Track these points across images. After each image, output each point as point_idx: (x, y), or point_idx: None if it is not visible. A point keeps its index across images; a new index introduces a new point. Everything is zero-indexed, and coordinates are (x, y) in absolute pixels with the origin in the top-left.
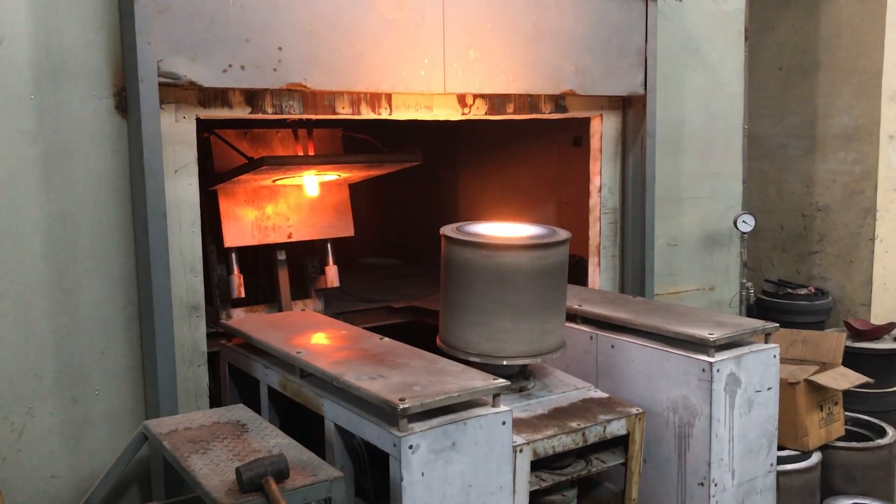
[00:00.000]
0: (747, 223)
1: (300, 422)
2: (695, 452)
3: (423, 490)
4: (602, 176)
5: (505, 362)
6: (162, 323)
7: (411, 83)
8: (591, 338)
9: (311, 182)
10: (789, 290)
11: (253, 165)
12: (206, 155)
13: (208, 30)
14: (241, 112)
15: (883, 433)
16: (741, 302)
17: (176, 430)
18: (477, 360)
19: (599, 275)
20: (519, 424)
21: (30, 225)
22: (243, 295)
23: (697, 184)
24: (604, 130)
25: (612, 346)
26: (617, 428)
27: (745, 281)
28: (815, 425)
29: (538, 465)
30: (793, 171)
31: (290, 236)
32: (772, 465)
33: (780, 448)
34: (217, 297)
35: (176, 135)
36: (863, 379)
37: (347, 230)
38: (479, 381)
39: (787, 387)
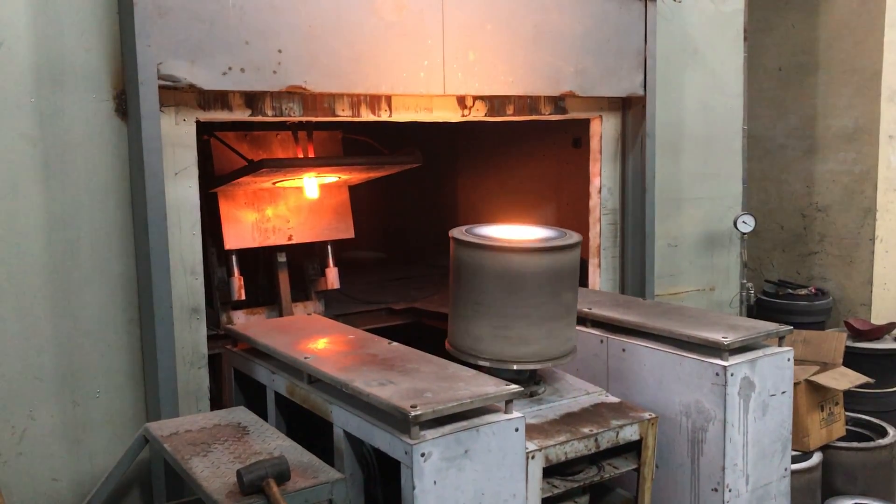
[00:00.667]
0: (747, 223)
1: (308, 428)
2: (708, 457)
3: (435, 499)
4: (602, 177)
5: (516, 367)
6: (162, 325)
7: (411, 85)
8: (602, 341)
9: (311, 184)
10: (789, 291)
11: (253, 168)
12: (207, 157)
13: (208, 32)
14: (241, 114)
15: (884, 433)
16: (741, 302)
17: (177, 433)
18: (487, 364)
19: (600, 276)
20: (530, 430)
21: (30, 228)
22: (244, 297)
23: (697, 184)
24: (603, 131)
25: (623, 350)
26: (629, 433)
27: (745, 281)
28: (815, 425)
29: (550, 471)
30: (793, 172)
31: (290, 238)
32: (786, 469)
33: None
34: (217, 300)
35: (176, 137)
36: (863, 379)
37: (347, 232)
38: (492, 386)
39: None
